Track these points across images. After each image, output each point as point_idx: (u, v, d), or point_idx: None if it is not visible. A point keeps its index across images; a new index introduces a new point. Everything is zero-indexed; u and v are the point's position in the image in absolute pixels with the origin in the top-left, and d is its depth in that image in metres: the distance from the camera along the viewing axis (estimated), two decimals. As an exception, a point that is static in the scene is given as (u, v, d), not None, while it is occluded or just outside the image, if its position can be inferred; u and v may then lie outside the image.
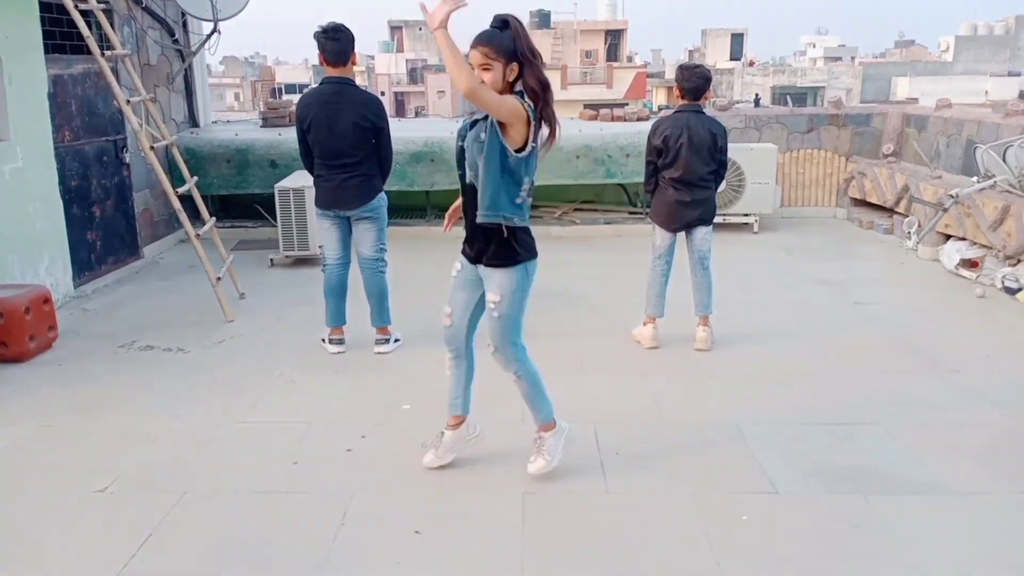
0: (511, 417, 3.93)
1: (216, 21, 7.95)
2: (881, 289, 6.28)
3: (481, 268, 3.23)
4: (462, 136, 3.15)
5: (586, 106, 12.06)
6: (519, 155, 3.03)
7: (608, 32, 44.11)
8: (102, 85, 6.26)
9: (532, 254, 3.26)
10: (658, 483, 3.38)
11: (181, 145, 7.40)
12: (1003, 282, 6.07)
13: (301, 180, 6.88)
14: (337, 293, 4.90)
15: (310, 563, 2.85)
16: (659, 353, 4.91)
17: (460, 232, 3.33)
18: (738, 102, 19.37)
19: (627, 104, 21.91)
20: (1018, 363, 4.72)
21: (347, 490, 3.32)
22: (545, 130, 3.07)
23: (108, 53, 5.56)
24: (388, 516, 3.15)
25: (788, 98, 32.58)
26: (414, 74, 51.25)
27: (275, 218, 7.07)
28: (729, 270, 6.23)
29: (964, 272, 6.51)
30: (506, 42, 2.93)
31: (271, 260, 7.13)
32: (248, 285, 6.27)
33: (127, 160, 6.93)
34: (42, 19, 5.77)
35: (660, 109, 11.23)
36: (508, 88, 2.99)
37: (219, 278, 5.61)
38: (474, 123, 3.11)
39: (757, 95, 36.11)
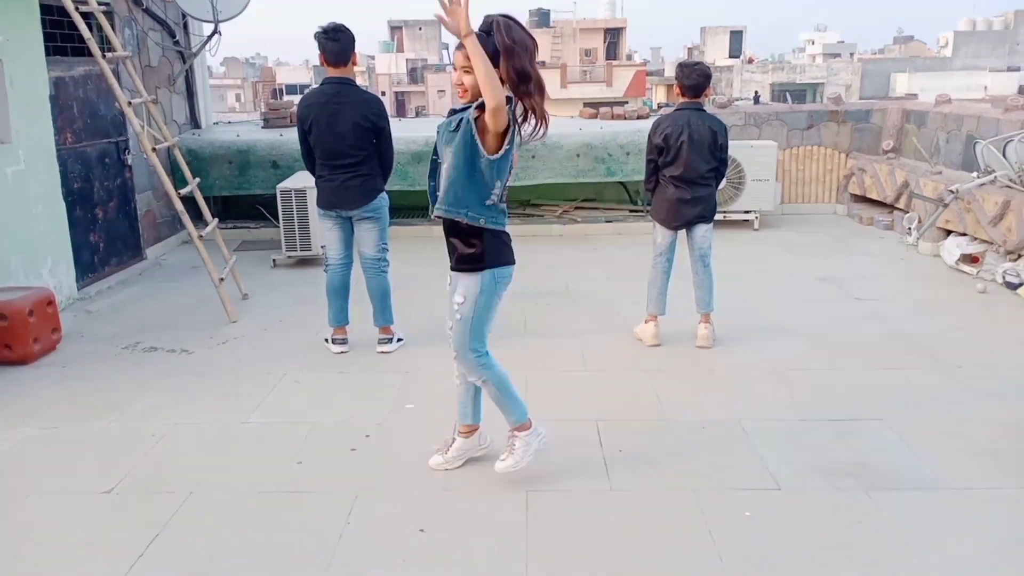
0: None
1: (217, 22, 7.96)
2: (882, 285, 6.29)
3: (452, 273, 3.20)
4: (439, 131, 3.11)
5: (586, 104, 12.06)
6: (492, 157, 2.96)
7: (607, 30, 44.11)
8: (103, 87, 6.27)
9: (503, 261, 3.14)
10: (661, 480, 3.39)
11: (183, 146, 7.42)
12: (1004, 277, 6.08)
13: (303, 181, 6.89)
14: (340, 293, 4.92)
15: (315, 562, 2.86)
16: (661, 351, 4.92)
17: None
18: (738, 99, 19.35)
19: (627, 102, 21.91)
20: (1020, 358, 4.72)
21: (352, 489, 3.33)
22: (530, 123, 2.97)
23: (109, 55, 5.57)
24: (393, 515, 3.16)
25: (787, 95, 32.57)
26: (414, 74, 51.26)
27: (277, 219, 7.09)
28: (730, 267, 6.24)
29: (965, 267, 6.52)
30: (488, 46, 2.83)
31: (274, 261, 7.15)
32: (251, 286, 6.29)
33: (129, 162, 6.94)
34: (43, 21, 5.78)
35: (660, 107, 11.24)
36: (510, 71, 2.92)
37: (222, 279, 5.62)
38: (452, 112, 3.08)
39: (756, 92, 36.06)
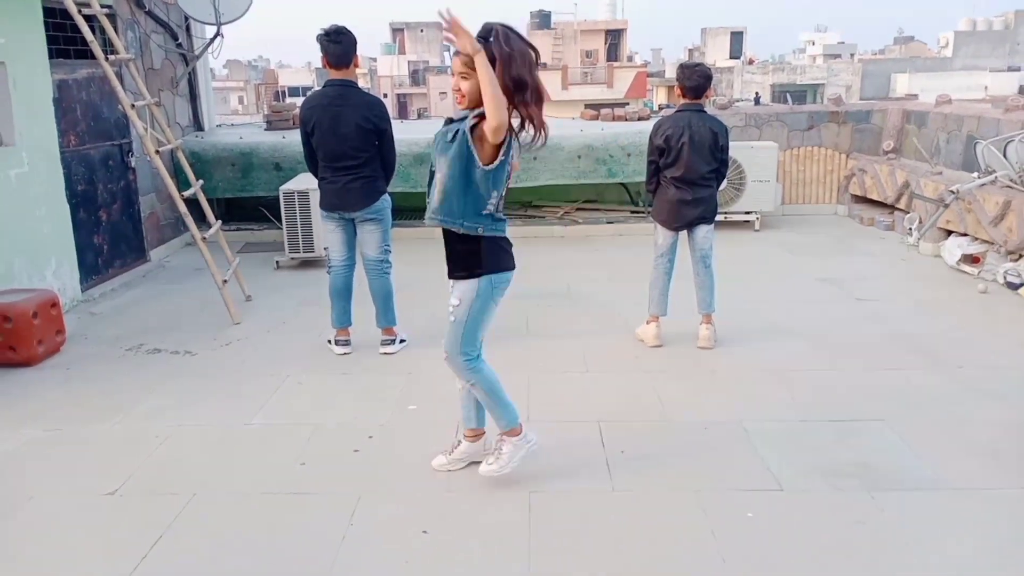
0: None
1: (219, 25, 7.99)
2: (883, 286, 6.29)
3: (450, 282, 3.20)
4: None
5: (587, 106, 12.09)
6: (487, 168, 2.95)
7: (608, 32, 44.11)
8: (107, 89, 6.29)
9: (501, 267, 3.12)
10: (663, 481, 3.40)
11: (186, 149, 7.45)
12: (1005, 277, 6.08)
13: (305, 182, 6.91)
14: (343, 295, 4.93)
15: (318, 563, 2.87)
16: (662, 352, 4.93)
17: None
18: (738, 100, 19.38)
19: (628, 104, 21.92)
20: (1021, 358, 4.73)
21: (355, 491, 3.34)
22: (528, 132, 2.96)
23: (112, 58, 5.59)
24: (396, 516, 3.17)
25: (788, 96, 32.56)
26: (416, 76, 51.32)
27: (280, 221, 7.11)
28: (731, 268, 6.25)
29: (966, 268, 6.53)
30: (486, 52, 2.83)
31: (277, 262, 7.16)
32: (254, 287, 6.31)
33: (133, 164, 6.96)
34: (46, 24, 5.80)
35: (661, 108, 11.25)
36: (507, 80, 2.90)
37: (225, 281, 5.64)
38: (449, 121, 3.07)
39: (757, 93, 36.07)
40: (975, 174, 6.97)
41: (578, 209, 8.83)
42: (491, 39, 2.85)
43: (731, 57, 47.68)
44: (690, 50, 53.40)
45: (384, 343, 4.97)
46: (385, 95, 44.37)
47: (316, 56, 4.79)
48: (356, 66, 4.77)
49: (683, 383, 4.46)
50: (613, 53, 43.46)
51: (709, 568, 2.82)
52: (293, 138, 7.67)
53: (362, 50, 4.96)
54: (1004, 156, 6.71)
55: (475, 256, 3.06)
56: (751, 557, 2.87)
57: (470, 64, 2.83)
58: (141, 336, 5.33)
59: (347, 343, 4.98)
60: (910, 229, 7.51)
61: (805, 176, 9.16)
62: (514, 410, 3.34)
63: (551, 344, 5.08)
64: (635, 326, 5.20)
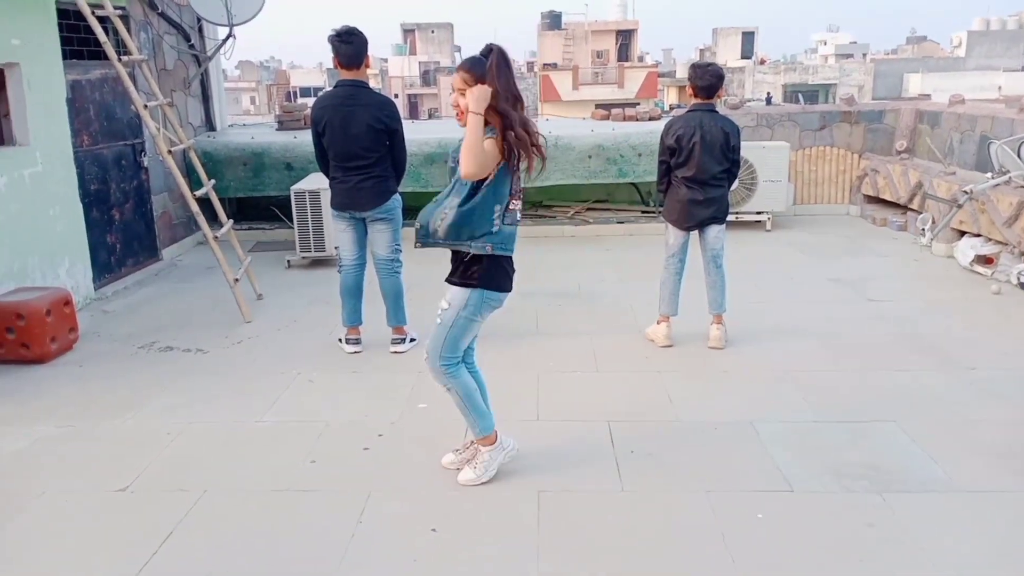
0: (526, 416, 3.97)
1: (231, 26, 8.02)
2: (895, 286, 6.26)
3: (446, 287, 3.25)
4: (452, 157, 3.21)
5: (598, 106, 12.08)
6: (487, 183, 3.06)
7: (619, 32, 44.01)
8: (119, 90, 6.33)
9: (496, 287, 3.18)
10: (673, 481, 3.39)
11: (198, 149, 7.49)
12: (1019, 278, 6.04)
13: (317, 182, 6.93)
14: (353, 294, 4.95)
15: (328, 561, 2.89)
16: (673, 352, 4.92)
17: None
18: (750, 100, 19.30)
19: (639, 104, 21.87)
20: (1034, 360, 4.70)
21: (364, 488, 3.35)
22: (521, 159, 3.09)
23: (125, 58, 5.63)
24: (405, 514, 3.18)
25: (800, 96, 32.42)
26: (427, 76, 51.38)
27: (291, 220, 7.14)
28: (742, 268, 6.23)
29: (979, 268, 6.49)
30: (484, 70, 2.98)
31: (288, 261, 7.19)
32: (265, 286, 6.34)
33: (145, 164, 7.01)
34: (60, 25, 5.85)
35: (672, 108, 11.23)
36: (491, 111, 3.00)
37: (237, 279, 5.66)
38: None
39: (769, 93, 35.94)
40: (989, 174, 6.92)
41: (589, 209, 8.83)
42: (487, 57, 3.00)
43: (742, 57, 47.51)
44: (701, 50, 53.26)
45: (394, 342, 4.98)
46: (396, 95, 44.46)
47: (328, 57, 4.82)
48: (367, 66, 4.79)
49: (693, 383, 4.45)
50: (624, 53, 43.37)
51: (719, 569, 2.81)
52: (304, 138, 7.70)
53: (373, 51, 4.98)
54: (1018, 156, 6.66)
55: (477, 269, 3.13)
56: (761, 558, 2.86)
57: (467, 80, 2.99)
58: (153, 334, 5.36)
59: (357, 342, 4.99)
60: (923, 230, 7.47)
61: (817, 176, 9.12)
62: (490, 418, 3.38)
63: (561, 343, 5.08)
64: (645, 326, 5.19)
